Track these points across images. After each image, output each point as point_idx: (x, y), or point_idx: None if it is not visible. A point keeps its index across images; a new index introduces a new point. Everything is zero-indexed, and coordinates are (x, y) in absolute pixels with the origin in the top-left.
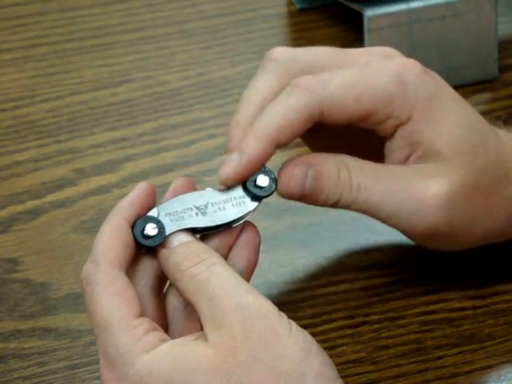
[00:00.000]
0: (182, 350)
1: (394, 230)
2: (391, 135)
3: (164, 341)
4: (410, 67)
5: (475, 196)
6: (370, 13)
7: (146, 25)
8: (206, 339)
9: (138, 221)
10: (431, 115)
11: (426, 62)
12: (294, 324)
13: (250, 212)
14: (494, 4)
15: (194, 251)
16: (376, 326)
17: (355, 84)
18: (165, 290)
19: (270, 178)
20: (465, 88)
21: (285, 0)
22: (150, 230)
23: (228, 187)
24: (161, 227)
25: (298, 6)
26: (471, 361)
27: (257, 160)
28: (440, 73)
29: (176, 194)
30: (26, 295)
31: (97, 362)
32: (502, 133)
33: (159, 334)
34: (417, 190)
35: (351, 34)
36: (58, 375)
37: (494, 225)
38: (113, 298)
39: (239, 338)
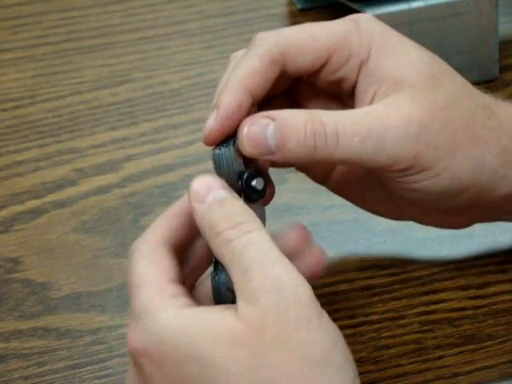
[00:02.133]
0: (210, 315)
1: (395, 229)
2: (357, 79)
3: (191, 306)
4: (362, 14)
5: (451, 121)
6: (370, 12)
7: (147, 25)
8: (236, 309)
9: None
10: (389, 48)
11: None
12: (325, 314)
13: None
14: (494, 4)
15: (231, 211)
16: (376, 325)
17: (309, 26)
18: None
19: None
20: None
21: (286, 0)
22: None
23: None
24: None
25: (298, 6)
26: (471, 361)
27: (233, 110)
28: None
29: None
30: (26, 295)
31: (97, 362)
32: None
33: (188, 300)
34: (392, 120)
35: None
36: (58, 375)
37: (484, 158)
38: (148, 264)
39: (270, 318)
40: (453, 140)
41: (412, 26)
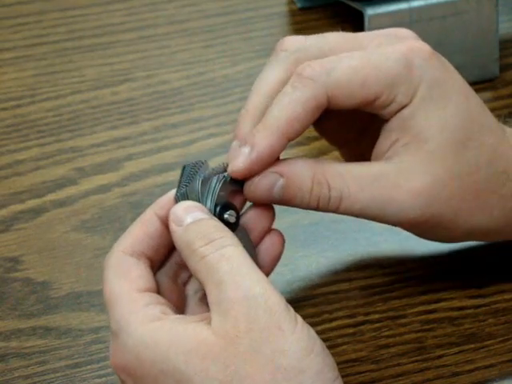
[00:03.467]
0: (182, 328)
1: (395, 228)
2: (390, 118)
3: (166, 314)
4: (418, 50)
5: (461, 190)
6: (370, 12)
7: (147, 24)
8: (209, 322)
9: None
10: (430, 102)
11: None
12: (300, 319)
13: None
14: (494, 3)
15: (206, 229)
16: (377, 324)
17: (361, 69)
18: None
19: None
20: None
21: None
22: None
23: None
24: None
25: (299, 5)
26: (472, 360)
27: (267, 154)
28: None
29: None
30: (26, 294)
31: (98, 361)
32: (510, 131)
33: (162, 307)
34: (399, 192)
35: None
36: (58, 374)
37: (489, 223)
38: (116, 277)
39: (242, 328)
40: (458, 209)
41: (412, 26)
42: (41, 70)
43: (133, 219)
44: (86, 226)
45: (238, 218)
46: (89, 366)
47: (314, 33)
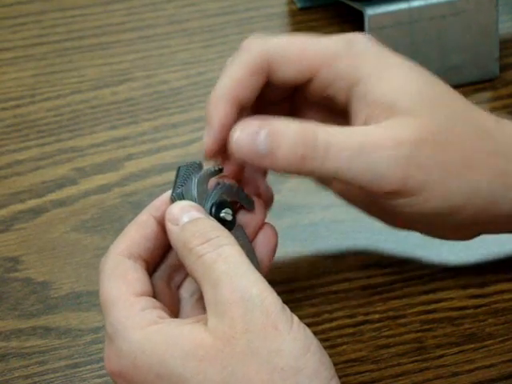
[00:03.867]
0: (179, 331)
1: (395, 229)
2: (347, 101)
3: (162, 318)
4: (360, 35)
5: (443, 146)
6: (370, 12)
7: (147, 24)
8: (205, 323)
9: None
10: (381, 71)
11: (426, 61)
12: (296, 319)
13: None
14: (494, 3)
15: (203, 228)
16: (377, 324)
17: (299, 40)
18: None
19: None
20: (465, 87)
21: None
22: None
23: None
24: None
25: (299, 5)
26: (472, 360)
27: (222, 123)
28: (441, 72)
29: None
30: (26, 294)
31: (98, 361)
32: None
33: (158, 311)
34: (384, 140)
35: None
36: (58, 374)
37: (479, 183)
38: (113, 280)
39: (239, 329)
40: (444, 165)
41: (412, 25)
42: (41, 70)
43: (133, 219)
44: (85, 226)
45: (234, 216)
46: (89, 366)
47: (314, 33)
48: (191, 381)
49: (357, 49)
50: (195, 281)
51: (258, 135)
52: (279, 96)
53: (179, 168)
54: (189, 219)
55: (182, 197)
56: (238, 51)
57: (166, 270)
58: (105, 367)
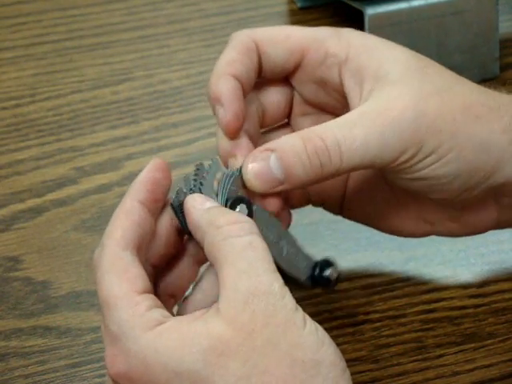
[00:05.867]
0: (193, 327)
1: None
2: (338, 81)
3: (166, 317)
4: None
5: (446, 104)
6: (370, 11)
7: (147, 23)
8: (218, 313)
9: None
10: (368, 48)
11: None
12: (307, 317)
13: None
14: (494, 2)
15: (230, 212)
16: (377, 324)
17: (285, 27)
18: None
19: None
20: None
21: None
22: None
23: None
24: None
25: (299, 5)
26: (472, 359)
27: (229, 94)
28: None
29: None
30: (26, 294)
31: (98, 361)
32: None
33: (163, 311)
34: (385, 117)
35: None
36: (58, 373)
37: (489, 136)
38: (114, 276)
39: (259, 323)
40: (452, 122)
41: (412, 25)
42: (41, 70)
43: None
44: (86, 226)
45: (251, 210)
46: (89, 366)
47: None
48: (212, 376)
49: (341, 32)
50: (212, 259)
51: (270, 162)
52: (281, 106)
53: (201, 164)
54: (212, 205)
55: (199, 192)
56: (228, 43)
57: (155, 256)
58: (107, 368)
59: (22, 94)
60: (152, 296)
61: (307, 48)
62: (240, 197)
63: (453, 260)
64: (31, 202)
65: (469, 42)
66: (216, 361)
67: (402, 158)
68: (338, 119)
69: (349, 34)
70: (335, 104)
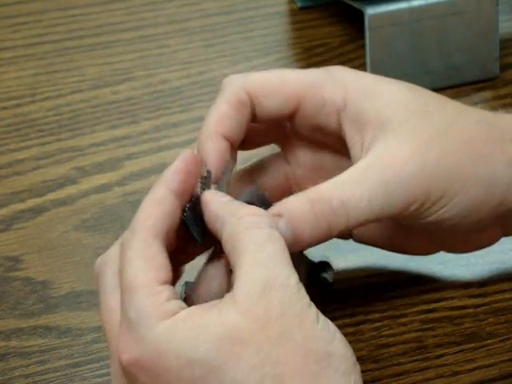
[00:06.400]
0: (207, 317)
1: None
2: (337, 127)
3: (183, 308)
4: (336, 66)
5: (448, 146)
6: (371, 11)
7: (147, 23)
8: (233, 303)
9: None
10: (366, 91)
11: (426, 61)
12: (320, 313)
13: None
14: (494, 2)
15: (250, 206)
16: (377, 324)
17: (278, 71)
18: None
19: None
20: (466, 86)
21: None
22: None
23: None
24: None
25: (299, 5)
26: (472, 359)
27: (213, 159)
28: (441, 71)
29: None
30: (27, 293)
31: (98, 361)
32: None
33: (180, 302)
34: (392, 168)
35: (352, 32)
36: (58, 373)
37: (495, 172)
38: (141, 263)
39: (274, 313)
40: (456, 164)
41: (412, 25)
42: (41, 70)
43: (132, 219)
44: (86, 226)
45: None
46: (89, 366)
47: (315, 32)
48: (225, 364)
49: (337, 75)
50: (229, 248)
51: (279, 227)
52: (270, 134)
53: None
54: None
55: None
56: (220, 90)
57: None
58: (118, 355)
59: (22, 93)
60: (172, 287)
61: (303, 95)
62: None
63: (453, 260)
64: (31, 202)
65: (469, 42)
66: (229, 350)
67: (410, 209)
68: (343, 176)
69: (344, 76)
70: (333, 144)
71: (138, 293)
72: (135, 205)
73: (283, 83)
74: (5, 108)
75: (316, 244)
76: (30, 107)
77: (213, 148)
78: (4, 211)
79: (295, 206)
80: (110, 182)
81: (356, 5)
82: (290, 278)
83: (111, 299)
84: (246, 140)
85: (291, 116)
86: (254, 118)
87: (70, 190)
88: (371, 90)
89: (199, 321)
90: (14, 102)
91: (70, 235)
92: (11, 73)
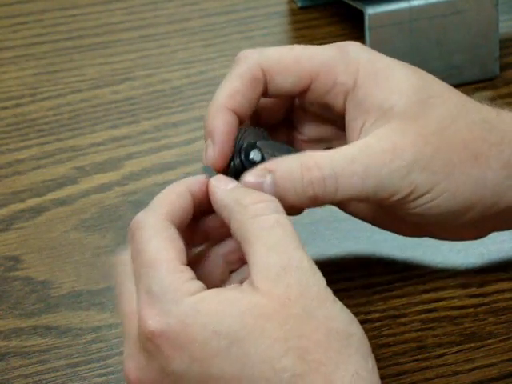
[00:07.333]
0: (231, 295)
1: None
2: (344, 107)
3: (205, 289)
4: (352, 43)
5: (445, 143)
6: (371, 11)
7: (148, 23)
8: (252, 286)
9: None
10: (376, 76)
11: (426, 61)
12: (336, 299)
13: None
14: (494, 2)
15: (254, 191)
16: (377, 323)
17: (293, 49)
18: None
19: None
20: (466, 86)
21: None
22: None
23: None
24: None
25: (299, 4)
26: (472, 359)
27: (222, 132)
28: (441, 71)
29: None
30: (27, 293)
31: (98, 360)
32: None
33: (200, 283)
34: (384, 158)
35: (352, 32)
36: (59, 373)
37: (486, 175)
38: (164, 241)
39: (293, 294)
40: (449, 162)
41: (412, 24)
42: (41, 69)
43: (132, 219)
44: (86, 225)
45: (263, 156)
46: (89, 365)
47: (315, 32)
48: (248, 337)
49: (350, 55)
50: (239, 237)
51: (264, 184)
52: (278, 108)
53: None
54: (234, 186)
55: None
56: (234, 62)
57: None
58: (140, 329)
59: (22, 93)
60: (191, 270)
61: (316, 74)
62: (251, 143)
63: (453, 260)
64: (31, 202)
65: (469, 42)
66: (253, 322)
67: (395, 198)
68: (339, 150)
69: (357, 56)
70: (337, 120)
71: (163, 267)
72: (135, 205)
73: (298, 62)
74: (5, 108)
75: (299, 210)
76: (30, 107)
77: (222, 123)
78: (4, 211)
79: (286, 166)
80: (110, 182)
81: (356, 4)
82: (303, 260)
83: (130, 282)
84: (253, 113)
85: (301, 93)
86: (264, 93)
87: (70, 189)
88: (381, 74)
89: (224, 297)
90: (14, 102)
91: (69, 235)
92: (11, 72)
